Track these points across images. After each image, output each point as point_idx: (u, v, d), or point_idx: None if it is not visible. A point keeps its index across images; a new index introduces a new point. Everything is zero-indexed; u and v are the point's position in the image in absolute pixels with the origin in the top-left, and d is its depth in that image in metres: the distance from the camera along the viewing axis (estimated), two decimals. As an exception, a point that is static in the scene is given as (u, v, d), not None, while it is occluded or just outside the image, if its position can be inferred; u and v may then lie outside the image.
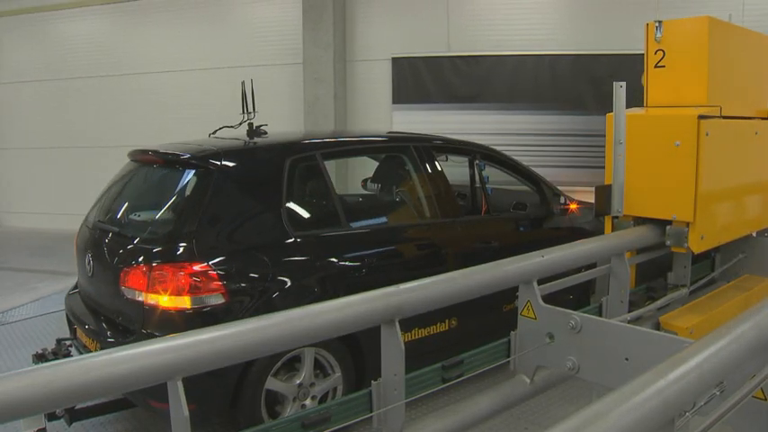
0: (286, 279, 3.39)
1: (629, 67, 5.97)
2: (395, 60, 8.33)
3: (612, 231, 3.78)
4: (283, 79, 8.98)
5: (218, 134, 4.21)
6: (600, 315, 3.42)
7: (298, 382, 3.31)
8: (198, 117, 8.95)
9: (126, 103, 10.07)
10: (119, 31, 10.13)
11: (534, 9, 7.83)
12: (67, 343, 3.75)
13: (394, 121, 8.34)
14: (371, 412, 2.42)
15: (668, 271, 3.97)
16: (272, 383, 3.24)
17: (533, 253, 2.94)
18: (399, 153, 4.45)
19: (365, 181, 5.10)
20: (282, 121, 8.73)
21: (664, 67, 3.72)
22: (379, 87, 8.48)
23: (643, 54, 3.82)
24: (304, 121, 8.64)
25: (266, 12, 9.13)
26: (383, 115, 8.44)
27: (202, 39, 9.50)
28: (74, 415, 3.26)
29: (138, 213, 3.87)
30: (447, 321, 3.90)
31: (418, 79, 8.23)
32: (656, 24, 3.72)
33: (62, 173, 10.59)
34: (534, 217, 4.69)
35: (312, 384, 3.36)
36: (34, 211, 10.99)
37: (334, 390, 3.46)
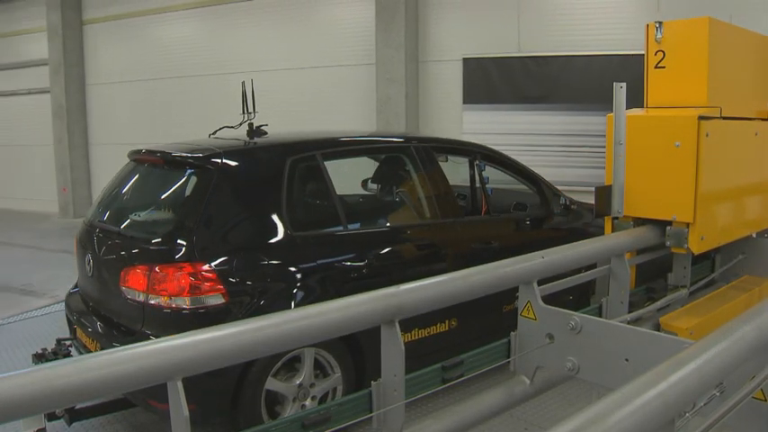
0: (286, 279, 3.39)
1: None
2: (465, 61, 8.34)
3: (612, 232, 3.78)
4: (358, 79, 9.17)
5: (218, 134, 4.22)
6: (600, 316, 3.42)
7: (298, 382, 3.31)
8: (286, 115, 9.33)
9: (214, 102, 10.38)
10: (210, 33, 10.54)
11: (607, 8, 7.68)
12: (67, 343, 3.75)
13: (464, 120, 8.39)
14: (371, 413, 2.42)
15: (668, 272, 3.97)
16: (272, 384, 3.24)
17: (533, 254, 2.94)
18: (399, 153, 4.44)
19: (365, 181, 5.10)
20: (356, 119, 9.16)
21: (664, 67, 3.72)
22: (450, 88, 8.55)
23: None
24: (376, 120, 8.81)
25: (344, 13, 9.33)
26: (454, 115, 8.51)
27: (287, 40, 9.76)
28: (74, 415, 3.26)
29: (138, 213, 3.88)
30: (447, 322, 3.90)
31: (488, 80, 8.22)
32: (657, 25, 3.72)
33: None
34: (534, 217, 4.69)
35: (312, 385, 3.36)
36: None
37: (334, 390, 3.46)
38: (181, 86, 10.90)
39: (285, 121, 9.44)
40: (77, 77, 12.04)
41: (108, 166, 11.40)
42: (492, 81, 8.21)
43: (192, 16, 10.73)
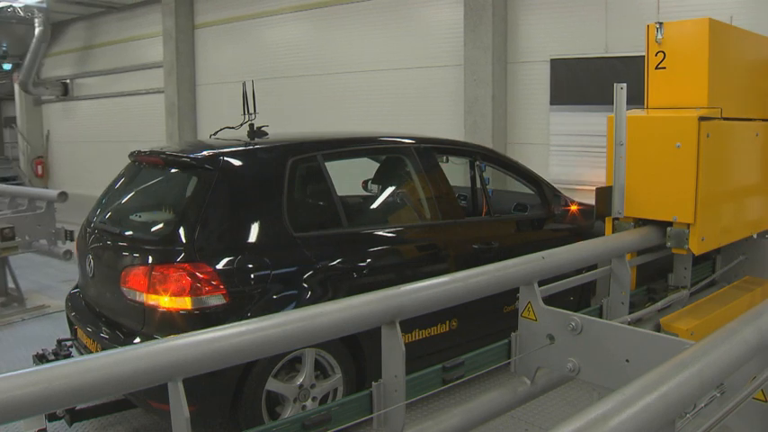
0: (287, 280, 3.39)
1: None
2: (553, 62, 8.26)
3: (613, 233, 3.78)
4: (448, 80, 9.25)
5: (218, 135, 4.22)
6: (600, 316, 3.42)
7: (298, 383, 3.31)
8: (378, 115, 9.65)
9: (317, 102, 10.69)
10: (312, 35, 10.87)
11: (698, 8, 7.30)
12: (68, 344, 3.75)
13: (551, 122, 8.36)
14: (372, 413, 2.42)
15: (669, 272, 3.97)
16: (272, 384, 3.24)
17: (534, 254, 2.94)
18: (400, 154, 4.45)
19: (366, 182, 5.10)
20: (444, 120, 9.27)
21: (665, 68, 3.72)
22: (538, 89, 8.51)
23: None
24: (464, 121, 8.86)
25: (435, 15, 9.41)
26: (540, 117, 8.50)
27: (382, 41, 9.93)
28: (74, 416, 3.27)
29: (138, 214, 3.88)
30: (448, 323, 3.90)
31: (575, 81, 8.13)
32: (657, 26, 3.72)
33: None
34: (535, 218, 4.69)
35: (313, 385, 3.36)
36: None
37: (335, 391, 3.46)
38: (285, 86, 11.27)
39: (378, 120, 9.80)
40: (188, 78, 12.89)
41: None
42: (579, 82, 8.09)
43: (296, 19, 11.10)
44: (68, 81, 16.37)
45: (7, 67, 17.64)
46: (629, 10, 7.79)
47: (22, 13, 14.09)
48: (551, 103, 8.34)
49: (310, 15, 10.82)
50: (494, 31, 8.47)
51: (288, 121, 10.96)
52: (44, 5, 13.94)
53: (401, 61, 9.70)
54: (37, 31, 15.28)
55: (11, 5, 13.69)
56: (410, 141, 4.41)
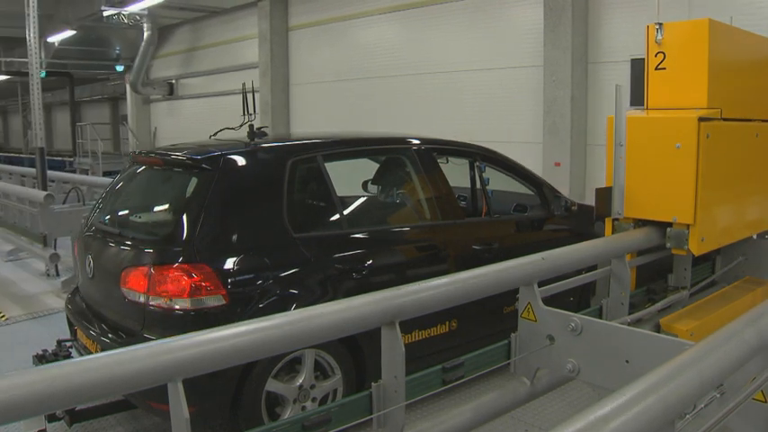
0: (287, 281, 3.39)
1: None
2: (633, 62, 8.15)
3: (613, 233, 3.78)
4: (528, 81, 9.31)
5: (218, 135, 4.22)
6: (600, 317, 3.42)
7: (298, 383, 3.31)
8: (472, 115, 9.73)
9: (407, 102, 10.88)
10: (402, 35, 11.13)
11: None
12: (68, 344, 3.75)
13: None
14: (372, 414, 2.42)
15: (669, 273, 3.97)
16: (272, 385, 3.24)
17: (534, 255, 2.94)
18: (400, 155, 4.45)
19: (366, 183, 5.10)
20: (525, 121, 9.35)
21: (664, 69, 3.73)
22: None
23: None
24: (543, 122, 8.89)
25: (517, 16, 9.49)
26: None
27: (468, 42, 10.04)
28: (74, 416, 3.26)
29: (139, 215, 3.88)
30: (448, 323, 3.90)
31: None
32: (657, 26, 3.72)
33: (346, 164, 11.45)
34: (535, 219, 4.69)
35: (312, 386, 3.36)
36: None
37: (335, 391, 3.46)
38: (376, 87, 11.52)
39: (467, 121, 9.94)
40: (282, 78, 13.50)
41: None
42: None
43: (387, 20, 11.32)
44: (174, 81, 17.49)
45: (120, 68, 19.17)
46: (713, 7, 7.53)
47: (126, 20, 15.15)
48: (631, 104, 8.22)
49: (402, 16, 11.04)
50: (573, 32, 8.44)
51: (378, 121, 11.31)
52: (145, 12, 15.07)
53: (487, 61, 9.79)
54: (145, 35, 16.68)
55: (117, 13, 14.65)
56: (409, 142, 4.41)
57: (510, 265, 2.83)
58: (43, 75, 17.81)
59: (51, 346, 3.71)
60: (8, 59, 19.57)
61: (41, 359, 3.51)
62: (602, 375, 2.62)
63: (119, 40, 18.78)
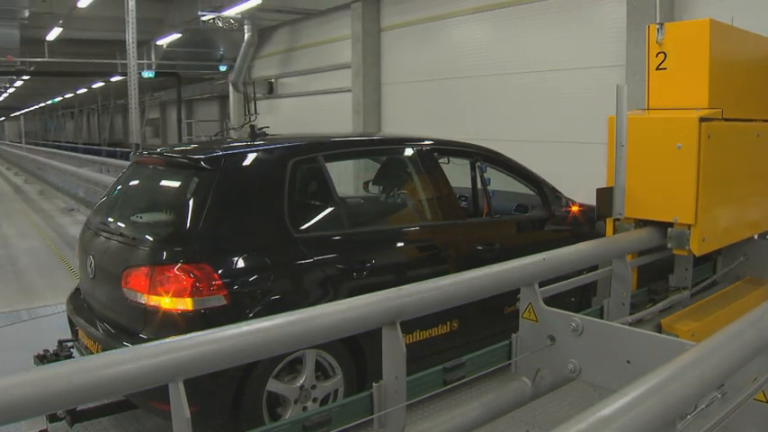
0: (288, 281, 3.39)
1: None
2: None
3: (614, 234, 3.78)
4: (611, 81, 9.24)
5: (219, 136, 4.22)
6: (601, 317, 3.42)
7: (299, 384, 3.31)
8: (559, 115, 9.71)
9: (496, 102, 10.89)
10: (492, 35, 11.17)
11: None
12: (69, 344, 3.75)
13: None
14: (373, 414, 2.42)
15: (670, 273, 3.97)
16: (273, 385, 3.24)
17: (535, 255, 2.94)
18: (401, 155, 4.45)
19: (367, 183, 5.11)
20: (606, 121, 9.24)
21: (665, 69, 3.73)
22: None
23: None
24: None
25: (601, 15, 9.43)
26: None
27: (554, 42, 10.02)
28: (75, 416, 3.26)
29: (140, 215, 3.88)
30: (449, 324, 3.90)
31: None
32: (658, 27, 3.72)
33: None
34: (536, 219, 4.69)
35: (313, 386, 3.36)
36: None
37: (336, 392, 3.46)
38: (463, 86, 11.59)
39: (547, 120, 9.93)
40: (374, 78, 13.74)
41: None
42: None
43: (477, 20, 11.37)
44: (273, 80, 18.00)
45: (223, 68, 20.03)
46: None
47: (220, 24, 15.80)
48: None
49: (490, 16, 11.09)
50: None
51: (466, 121, 11.39)
52: (239, 16, 15.58)
53: (571, 61, 9.79)
54: (246, 36, 17.59)
55: (215, 17, 15.44)
56: (411, 142, 4.41)
57: (511, 265, 2.83)
58: (152, 75, 20.62)
59: (53, 347, 3.71)
60: (123, 62, 20.43)
61: (43, 359, 3.51)
62: (603, 376, 2.62)
63: (222, 41, 19.38)
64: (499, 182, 4.85)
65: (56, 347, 3.69)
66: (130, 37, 9.89)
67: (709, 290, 4.24)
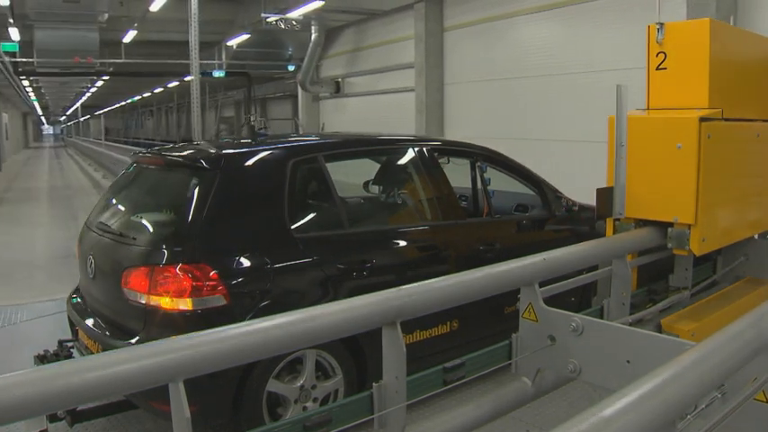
0: (288, 281, 3.39)
1: None
2: None
3: (614, 234, 3.78)
4: None
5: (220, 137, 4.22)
6: (601, 317, 3.42)
7: (299, 384, 3.31)
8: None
9: (559, 101, 10.92)
10: (554, 34, 11.20)
11: None
12: (69, 344, 3.75)
13: None
14: (373, 414, 2.42)
15: (670, 273, 3.97)
16: (273, 385, 3.24)
17: (535, 255, 2.94)
18: (401, 155, 4.44)
19: (367, 183, 5.11)
20: None
21: (665, 69, 3.72)
22: None
23: None
24: None
25: (665, 12, 9.21)
26: None
27: (621, 40, 9.94)
28: (75, 416, 3.26)
29: (140, 215, 3.88)
30: (449, 323, 3.90)
31: None
32: (658, 27, 3.72)
33: None
34: (536, 219, 4.69)
35: (314, 386, 3.36)
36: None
37: (336, 392, 3.46)
38: (526, 86, 11.62)
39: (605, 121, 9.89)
40: (437, 78, 14.02)
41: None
42: None
43: (540, 19, 11.40)
44: (340, 80, 18.61)
45: (291, 68, 20.90)
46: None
47: (283, 25, 16.25)
48: None
49: (553, 15, 11.13)
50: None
51: (528, 121, 11.43)
52: (301, 17, 15.99)
53: (630, 61, 9.60)
54: (313, 36, 18.25)
55: (278, 19, 15.88)
56: (410, 142, 4.41)
57: (511, 265, 2.83)
58: (223, 75, 21.46)
59: (53, 347, 3.71)
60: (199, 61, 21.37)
61: (43, 359, 3.51)
62: (603, 375, 2.62)
63: (291, 41, 20.09)
64: (499, 182, 4.85)
65: (56, 347, 3.69)
66: (193, 38, 10.18)
67: (709, 290, 4.24)
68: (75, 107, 50.32)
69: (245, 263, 3.30)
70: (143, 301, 3.20)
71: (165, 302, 3.14)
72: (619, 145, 3.58)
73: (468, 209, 4.73)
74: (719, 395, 2.06)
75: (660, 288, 3.89)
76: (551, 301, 2.90)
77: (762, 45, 4.26)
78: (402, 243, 3.95)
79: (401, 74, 15.21)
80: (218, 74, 21.14)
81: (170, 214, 3.65)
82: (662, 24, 3.71)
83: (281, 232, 3.45)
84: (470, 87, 13.20)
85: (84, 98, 41.25)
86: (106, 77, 26.05)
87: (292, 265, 3.43)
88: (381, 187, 4.78)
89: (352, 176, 4.75)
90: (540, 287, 2.86)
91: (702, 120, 3.46)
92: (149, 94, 37.07)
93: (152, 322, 3.19)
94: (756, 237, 4.37)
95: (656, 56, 3.75)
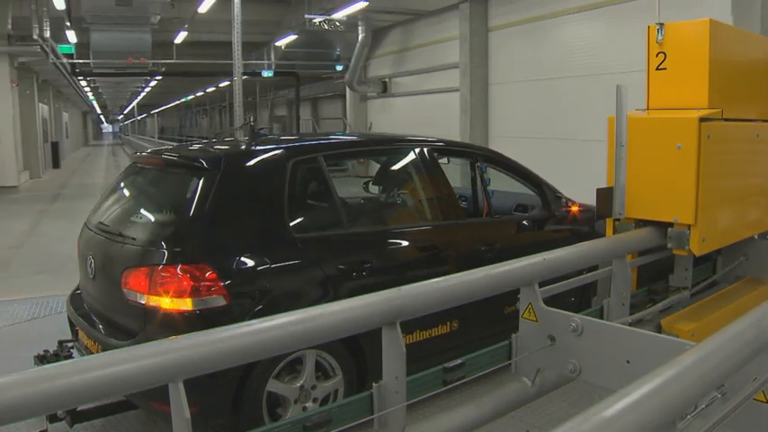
0: (288, 281, 3.39)
1: None
2: None
3: (614, 234, 3.78)
4: None
5: (220, 137, 4.22)
6: (601, 317, 3.42)
7: (299, 384, 3.31)
8: None
9: (599, 102, 10.77)
10: (599, 33, 11.18)
11: None
12: (69, 345, 3.76)
13: None
14: (372, 414, 2.42)
15: (670, 273, 3.97)
16: (273, 385, 3.24)
17: (535, 255, 2.94)
18: (401, 156, 4.44)
19: (367, 183, 5.11)
20: None
21: (665, 69, 3.73)
22: None
23: None
24: None
25: (710, 10, 8.98)
26: None
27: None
28: (75, 417, 3.26)
29: (140, 215, 3.88)
30: (449, 324, 3.90)
31: None
32: (658, 27, 3.72)
33: (539, 160, 11.95)
34: (536, 219, 4.69)
35: (313, 387, 3.36)
36: (513, 190, 12.99)
37: (336, 392, 3.46)
38: (569, 86, 11.62)
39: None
40: (481, 78, 14.11)
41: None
42: None
43: (582, 18, 11.39)
44: (387, 80, 18.85)
45: (339, 67, 21.12)
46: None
47: (326, 26, 16.55)
48: None
49: (597, 14, 11.11)
50: (762, 26, 7.92)
51: (570, 121, 11.43)
52: (344, 18, 16.27)
53: None
54: (360, 36, 18.39)
55: (322, 20, 16.25)
56: (410, 143, 4.41)
57: (511, 265, 2.82)
58: (271, 74, 22.17)
59: (53, 347, 3.71)
60: (247, 62, 22.37)
61: (42, 360, 3.51)
62: (603, 376, 2.62)
63: (338, 41, 20.46)
64: (499, 182, 4.85)
65: (56, 348, 3.69)
66: (236, 39, 10.44)
67: (709, 290, 4.24)
68: (131, 106, 52.65)
69: (245, 263, 3.30)
70: (143, 302, 3.20)
71: (165, 303, 3.14)
72: (619, 145, 3.58)
73: (468, 209, 4.73)
74: (719, 395, 2.06)
75: (660, 288, 3.89)
76: (551, 301, 2.90)
77: (762, 45, 4.26)
78: (402, 243, 3.95)
79: (446, 74, 15.32)
80: (266, 74, 21.74)
81: (170, 214, 3.65)
82: (662, 24, 3.71)
83: (280, 232, 3.45)
84: (514, 87, 13.26)
85: (139, 97, 42.60)
86: (159, 77, 26.89)
87: (292, 265, 3.43)
88: (381, 187, 4.78)
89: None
90: (540, 287, 2.86)
91: (702, 120, 3.46)
92: (202, 93, 37.97)
93: (152, 322, 3.19)
94: (756, 237, 4.36)
95: (656, 56, 3.76)
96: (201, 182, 3.47)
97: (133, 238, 3.52)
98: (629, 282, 3.45)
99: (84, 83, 28.83)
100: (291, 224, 3.49)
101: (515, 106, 13.29)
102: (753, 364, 2.03)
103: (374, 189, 4.92)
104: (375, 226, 4.21)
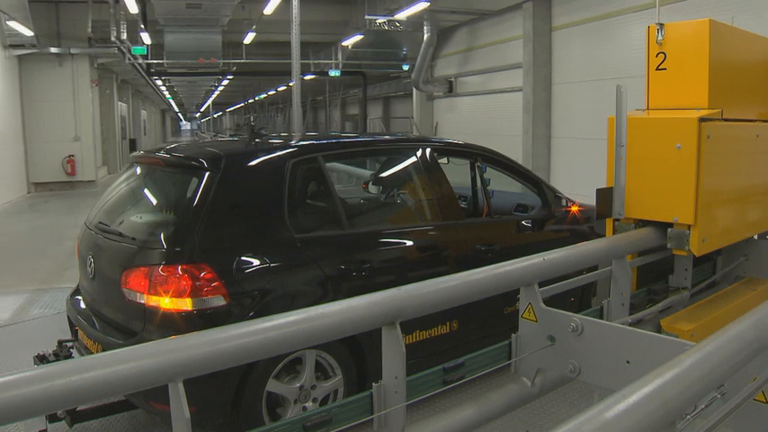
0: (288, 281, 3.39)
1: None
2: None
3: (614, 234, 3.78)
4: None
5: (220, 137, 4.23)
6: (601, 318, 3.42)
7: (299, 384, 3.31)
8: None
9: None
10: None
11: None
12: (69, 344, 3.75)
13: None
14: (372, 414, 2.42)
15: (669, 273, 3.97)
16: (273, 385, 3.24)
17: (534, 255, 2.94)
18: (400, 155, 4.44)
19: (367, 183, 5.11)
20: None
21: (665, 69, 3.72)
22: None
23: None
24: None
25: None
26: None
27: None
28: (75, 417, 3.27)
29: (139, 215, 3.88)
30: (448, 324, 3.90)
31: None
32: (658, 27, 3.72)
33: (602, 163, 11.56)
34: (536, 219, 4.69)
35: (313, 387, 3.36)
36: (574, 192, 12.80)
37: (336, 392, 3.46)
38: (631, 85, 11.35)
39: None
40: (544, 77, 14.08)
41: (566, 157, 13.77)
42: None
43: (645, 17, 11.11)
44: (453, 79, 18.91)
45: (405, 67, 21.59)
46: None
47: (387, 27, 16.89)
48: None
49: (667, 11, 10.75)
50: None
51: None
52: (404, 19, 16.37)
53: None
54: (425, 36, 18.37)
55: (383, 20, 16.58)
56: (410, 143, 4.41)
57: (511, 265, 2.82)
58: (338, 74, 22.85)
59: (52, 347, 3.71)
60: (315, 61, 23.06)
61: (42, 359, 3.51)
62: (602, 376, 2.62)
63: (405, 41, 20.65)
64: (499, 182, 4.85)
65: (55, 348, 3.69)
66: (295, 39, 10.59)
67: (709, 290, 4.24)
68: (206, 104, 54.43)
69: (245, 263, 3.30)
70: (143, 302, 3.20)
71: (165, 303, 3.14)
72: (618, 145, 3.58)
73: (467, 209, 4.74)
74: (719, 395, 2.06)
75: (660, 288, 3.88)
76: (551, 301, 2.90)
77: (762, 45, 4.25)
78: (402, 243, 3.96)
79: (510, 73, 15.35)
80: (333, 73, 22.30)
81: (170, 214, 3.66)
82: (662, 25, 3.71)
83: (280, 232, 3.45)
84: (578, 87, 13.19)
85: (213, 96, 43.95)
86: (230, 77, 27.87)
87: (292, 265, 3.43)
88: (381, 187, 4.78)
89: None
90: (540, 287, 2.86)
91: (702, 120, 3.46)
92: (274, 92, 38.91)
93: (152, 322, 3.19)
94: (756, 237, 4.37)
95: (656, 56, 3.75)
96: (201, 182, 3.47)
97: (133, 238, 3.52)
98: (628, 282, 3.45)
99: (159, 82, 29.63)
100: (291, 224, 3.49)
101: (579, 106, 13.19)
102: (753, 364, 2.03)
103: (374, 189, 4.92)
104: (375, 226, 4.21)
